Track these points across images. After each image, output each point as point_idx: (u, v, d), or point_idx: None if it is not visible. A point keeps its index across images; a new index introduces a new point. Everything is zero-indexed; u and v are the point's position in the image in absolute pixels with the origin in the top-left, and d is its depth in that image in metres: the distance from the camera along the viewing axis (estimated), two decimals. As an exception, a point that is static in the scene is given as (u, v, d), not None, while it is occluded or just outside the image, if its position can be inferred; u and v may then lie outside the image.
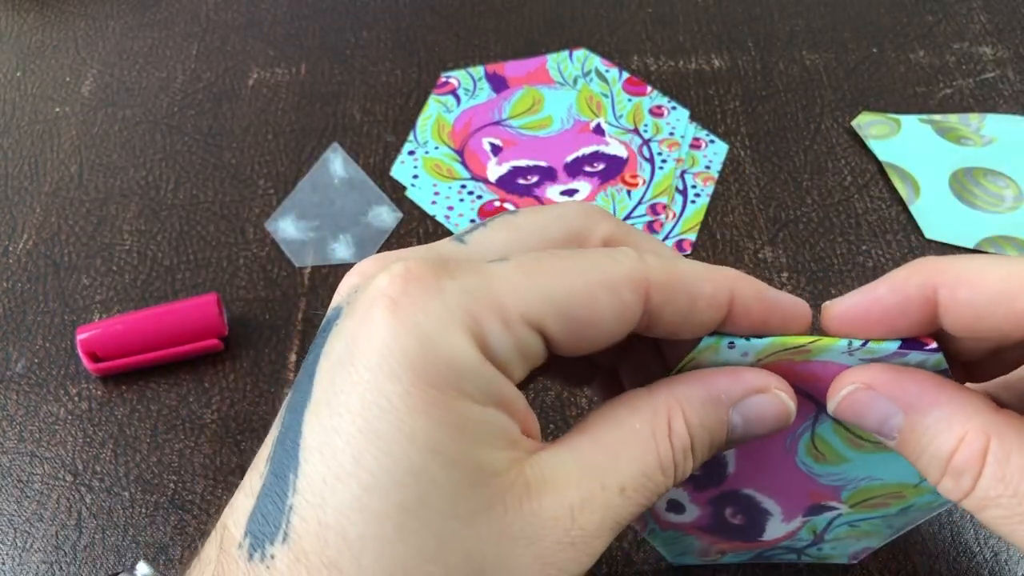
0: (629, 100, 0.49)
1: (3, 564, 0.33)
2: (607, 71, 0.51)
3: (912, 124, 0.48)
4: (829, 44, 0.52)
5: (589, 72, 0.51)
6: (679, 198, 0.45)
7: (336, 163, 0.47)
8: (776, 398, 0.22)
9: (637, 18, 0.54)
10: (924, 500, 0.26)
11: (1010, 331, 0.20)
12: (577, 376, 0.27)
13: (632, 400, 0.22)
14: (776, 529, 0.27)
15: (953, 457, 0.20)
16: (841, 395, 0.22)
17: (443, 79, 0.51)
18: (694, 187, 0.45)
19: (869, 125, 0.48)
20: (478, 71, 0.51)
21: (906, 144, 0.47)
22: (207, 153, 0.48)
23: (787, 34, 0.53)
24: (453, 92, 0.50)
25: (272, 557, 0.19)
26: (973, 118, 0.48)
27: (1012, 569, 0.32)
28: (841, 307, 0.22)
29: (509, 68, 0.51)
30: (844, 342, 0.21)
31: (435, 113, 0.49)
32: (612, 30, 0.54)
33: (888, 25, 0.53)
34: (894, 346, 0.21)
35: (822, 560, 0.30)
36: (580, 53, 0.52)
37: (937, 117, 0.48)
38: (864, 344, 0.21)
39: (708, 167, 0.46)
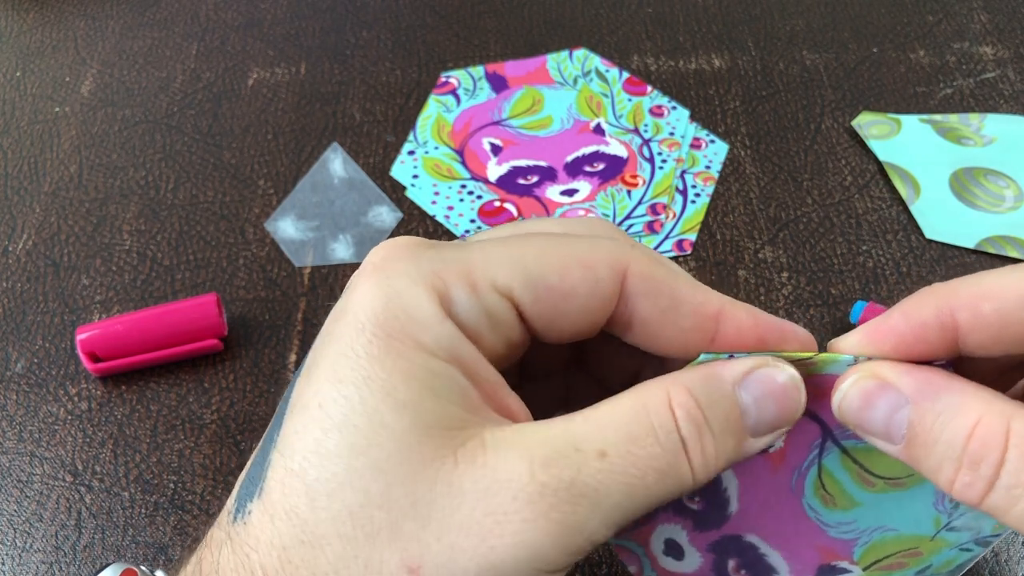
0: (629, 100, 0.49)
1: (3, 564, 0.33)
2: (607, 71, 0.51)
3: (912, 124, 0.48)
4: (829, 44, 0.52)
5: (589, 72, 0.51)
6: (679, 198, 0.45)
7: (336, 163, 0.47)
8: (780, 370, 0.21)
9: (637, 18, 0.54)
10: (943, 558, 0.24)
11: None
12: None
13: (629, 388, 0.21)
14: None
15: (970, 441, 0.19)
16: (844, 387, 0.20)
17: (443, 79, 0.51)
18: (694, 187, 0.45)
19: (869, 125, 0.48)
20: (478, 71, 0.51)
21: (906, 144, 0.47)
22: (207, 153, 0.48)
23: (787, 34, 0.53)
24: (453, 92, 0.50)
25: (249, 513, 0.20)
26: (973, 118, 0.48)
27: (1012, 569, 0.32)
28: (852, 341, 0.21)
29: (509, 68, 0.51)
30: (849, 356, 0.20)
31: (435, 113, 0.49)
32: (612, 30, 0.54)
33: (888, 25, 0.53)
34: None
35: None
36: (580, 53, 0.52)
37: (937, 117, 0.48)
38: (869, 359, 0.20)
39: (708, 167, 0.46)
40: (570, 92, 0.50)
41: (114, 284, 0.42)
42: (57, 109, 0.50)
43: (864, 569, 0.25)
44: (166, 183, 0.46)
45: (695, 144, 0.47)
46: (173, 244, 0.44)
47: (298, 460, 0.19)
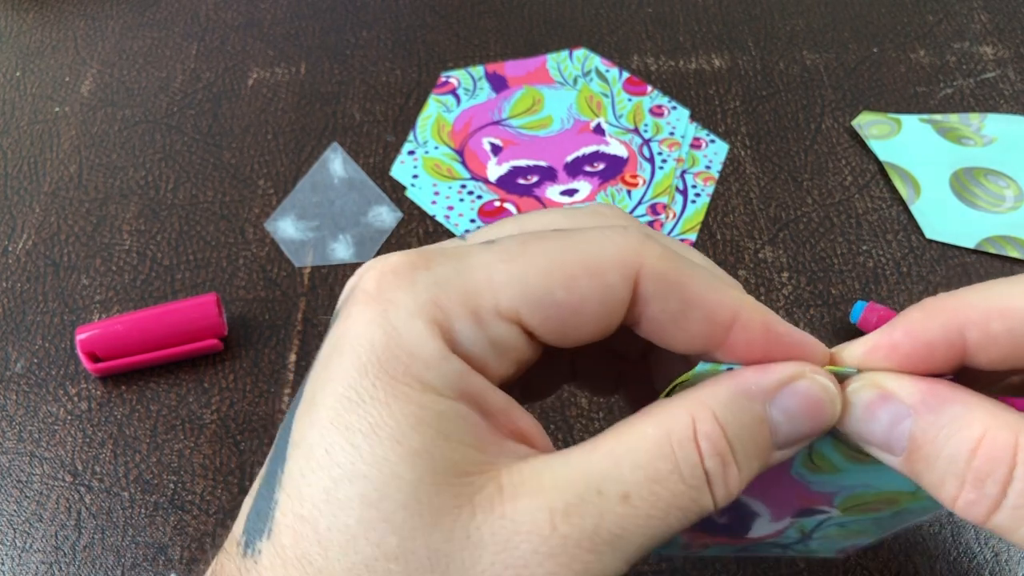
0: (629, 100, 0.49)
1: (2, 564, 0.33)
2: (607, 71, 0.51)
3: (912, 124, 0.48)
4: (830, 44, 0.52)
5: (589, 72, 0.51)
6: (679, 198, 0.45)
7: (336, 163, 0.47)
8: (815, 382, 0.19)
9: (637, 18, 0.54)
10: (920, 505, 0.25)
11: None
12: (602, 385, 0.26)
13: (650, 408, 0.20)
14: (763, 528, 0.27)
15: (975, 456, 0.18)
16: (851, 399, 0.20)
17: (443, 79, 0.51)
18: (694, 187, 0.45)
19: (869, 125, 0.48)
20: (478, 71, 0.51)
21: (906, 144, 0.47)
22: (207, 153, 0.48)
23: (787, 34, 0.53)
24: (453, 92, 0.50)
25: (259, 552, 0.19)
26: (974, 118, 0.48)
27: (1012, 569, 0.32)
28: (855, 354, 0.20)
29: (509, 68, 0.51)
30: (852, 368, 0.20)
31: (435, 113, 0.49)
32: (612, 30, 0.54)
33: (888, 25, 0.53)
34: None
35: (808, 554, 0.30)
36: (580, 53, 0.52)
37: (938, 117, 0.48)
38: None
39: (708, 167, 0.46)
40: (570, 92, 0.50)
41: (114, 284, 0.42)
42: (57, 109, 0.50)
43: (842, 511, 0.25)
44: (166, 183, 0.46)
45: (695, 144, 0.47)
46: (173, 244, 0.44)
47: (308, 507, 0.19)
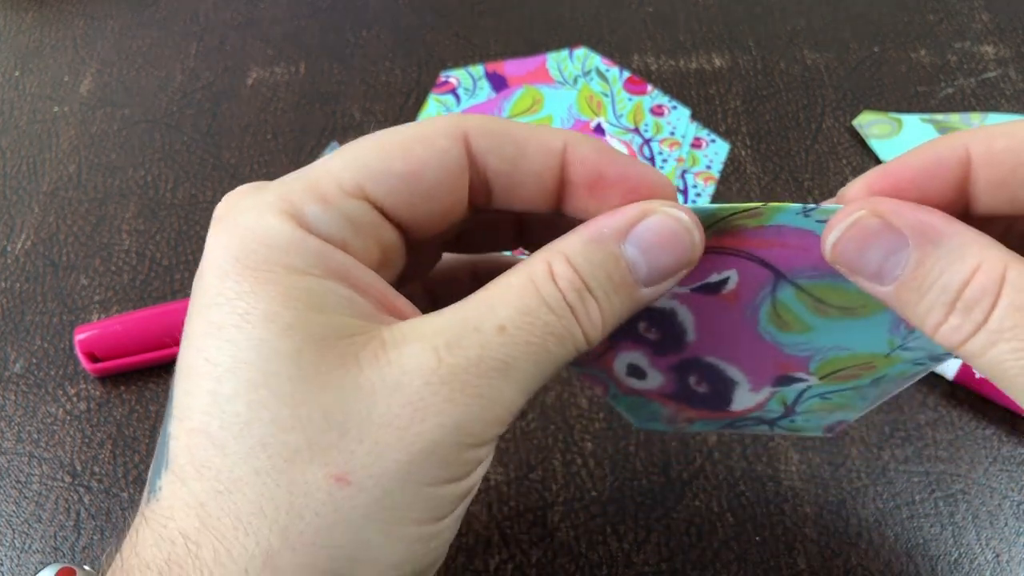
0: (630, 99, 0.49)
1: (1, 565, 0.33)
2: (607, 70, 0.51)
3: (914, 123, 0.48)
4: (830, 43, 0.52)
5: (589, 71, 0.51)
6: (680, 198, 0.45)
7: (336, 163, 0.47)
8: (667, 215, 0.20)
9: (637, 17, 0.54)
10: (897, 370, 0.25)
11: None
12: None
13: (514, 267, 0.21)
14: (744, 399, 0.27)
15: (967, 287, 0.18)
16: (843, 224, 0.20)
17: (443, 78, 0.51)
18: (695, 187, 0.45)
19: (870, 124, 0.48)
20: (478, 70, 0.51)
21: (908, 143, 0.47)
22: (206, 153, 0.48)
23: (788, 33, 0.53)
24: (453, 91, 0.50)
25: (159, 488, 0.19)
26: (975, 117, 0.48)
27: (1013, 570, 0.32)
28: (866, 180, 0.21)
29: (509, 67, 0.51)
30: (798, 205, 0.20)
31: (435, 112, 0.49)
32: (612, 29, 0.53)
33: (889, 24, 0.53)
34: None
35: (795, 432, 0.29)
36: (580, 52, 0.52)
37: (939, 116, 0.48)
38: (818, 206, 0.20)
39: (709, 167, 0.46)
40: (570, 91, 0.50)
41: (113, 284, 0.42)
42: (56, 109, 0.50)
43: (820, 379, 0.25)
44: (165, 183, 0.46)
45: (696, 144, 0.47)
46: (172, 244, 0.43)
47: (197, 418, 0.19)
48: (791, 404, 0.27)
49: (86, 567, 0.25)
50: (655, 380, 0.27)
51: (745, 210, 0.21)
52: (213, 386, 0.19)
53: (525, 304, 0.19)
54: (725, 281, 0.23)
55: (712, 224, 0.21)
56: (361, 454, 0.18)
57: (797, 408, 0.27)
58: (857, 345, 0.24)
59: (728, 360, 0.26)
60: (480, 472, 0.20)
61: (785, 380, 0.26)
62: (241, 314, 0.19)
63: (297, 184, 0.20)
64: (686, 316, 0.24)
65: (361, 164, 0.20)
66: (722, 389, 0.27)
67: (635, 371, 0.27)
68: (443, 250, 0.26)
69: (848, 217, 0.20)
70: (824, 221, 0.21)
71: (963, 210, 0.20)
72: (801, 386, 0.26)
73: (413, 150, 0.20)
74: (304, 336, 0.19)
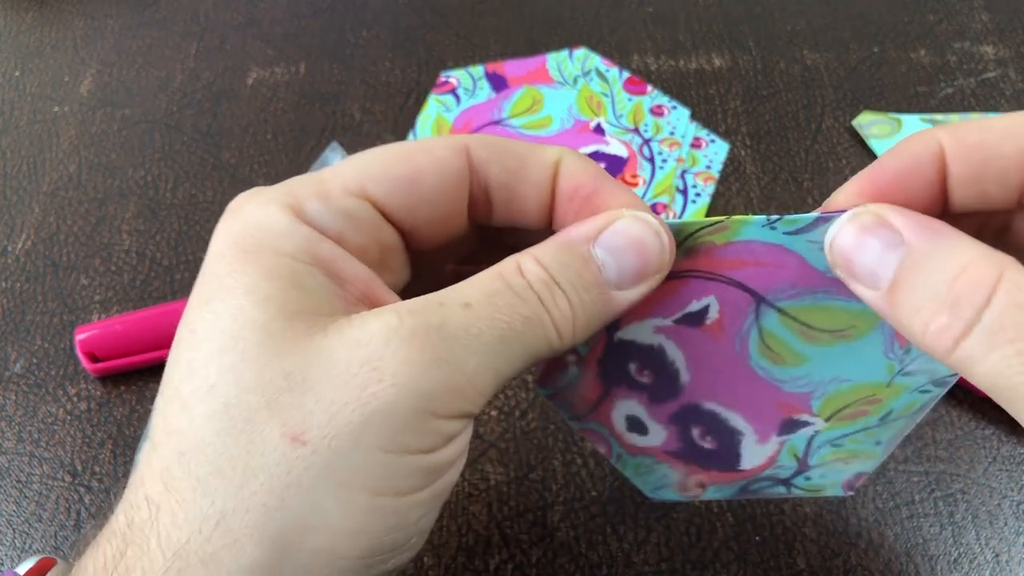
0: (629, 99, 0.49)
1: (2, 564, 0.33)
2: (607, 70, 0.51)
3: (913, 124, 0.48)
4: (830, 43, 0.52)
5: (589, 71, 0.51)
6: (680, 198, 0.45)
7: (335, 162, 0.47)
8: (635, 219, 0.21)
9: (637, 17, 0.54)
10: (903, 402, 0.24)
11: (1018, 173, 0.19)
12: None
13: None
14: (753, 454, 0.26)
15: (957, 281, 0.18)
16: (840, 221, 0.20)
17: (443, 78, 0.51)
18: (695, 187, 0.45)
19: (870, 125, 0.48)
20: (478, 70, 0.51)
21: (907, 144, 0.47)
22: (206, 153, 0.48)
23: (788, 33, 0.53)
24: (453, 91, 0.50)
25: (138, 462, 0.20)
26: (974, 117, 0.48)
27: (1013, 570, 0.32)
28: (848, 191, 0.21)
29: (509, 67, 0.51)
30: (762, 216, 0.21)
31: (435, 112, 0.49)
32: (612, 29, 0.53)
33: (889, 24, 0.53)
34: (813, 216, 0.21)
35: (814, 492, 0.28)
36: (580, 52, 0.52)
37: (939, 117, 0.48)
38: (782, 217, 0.21)
39: (709, 167, 0.46)
40: (570, 92, 0.50)
41: (113, 284, 0.42)
42: (56, 109, 0.50)
43: (826, 420, 0.25)
44: (165, 183, 0.46)
45: (695, 144, 0.47)
46: (172, 244, 0.44)
47: (174, 384, 0.19)
48: (803, 456, 0.26)
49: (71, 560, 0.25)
50: (658, 435, 0.26)
51: (710, 224, 0.21)
52: (190, 354, 0.20)
53: (491, 287, 0.20)
54: (706, 310, 0.23)
55: (681, 241, 0.22)
56: (317, 413, 0.18)
57: (811, 461, 0.27)
58: (856, 374, 0.24)
59: (728, 406, 0.25)
60: (449, 452, 0.20)
61: (791, 426, 0.25)
62: (227, 288, 0.20)
63: (304, 182, 0.21)
64: (676, 354, 0.24)
65: (365, 167, 0.21)
66: (729, 442, 0.26)
67: (636, 425, 0.26)
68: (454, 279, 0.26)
69: (843, 216, 0.20)
70: (792, 233, 0.21)
71: (943, 207, 0.21)
72: (808, 431, 0.25)
73: (415, 157, 0.21)
74: (278, 307, 0.19)
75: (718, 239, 0.21)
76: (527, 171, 0.22)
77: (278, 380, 0.19)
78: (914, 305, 0.19)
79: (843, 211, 0.21)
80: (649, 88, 0.50)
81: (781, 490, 0.29)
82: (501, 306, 0.20)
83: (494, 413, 0.37)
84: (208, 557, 0.18)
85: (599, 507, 0.34)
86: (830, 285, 0.22)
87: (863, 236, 0.20)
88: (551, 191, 0.22)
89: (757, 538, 0.33)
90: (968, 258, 0.18)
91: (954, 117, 0.48)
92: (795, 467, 0.27)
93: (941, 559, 0.32)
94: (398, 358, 0.19)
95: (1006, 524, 0.33)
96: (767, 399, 0.25)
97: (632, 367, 0.25)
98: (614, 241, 0.21)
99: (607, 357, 0.25)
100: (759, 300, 0.23)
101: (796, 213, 0.21)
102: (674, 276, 0.23)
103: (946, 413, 0.36)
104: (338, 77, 0.51)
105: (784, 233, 0.21)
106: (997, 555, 0.32)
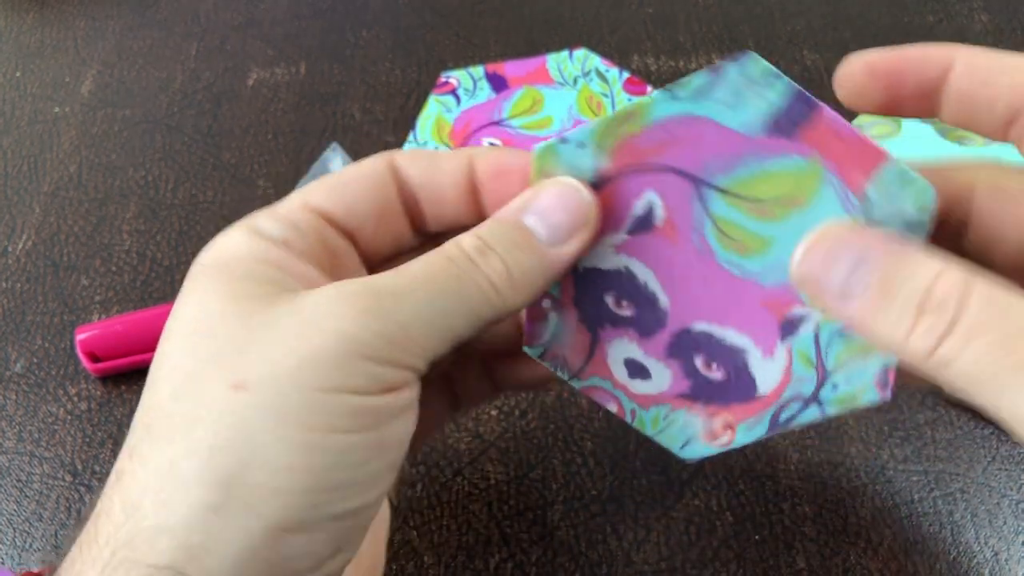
0: (629, 100, 0.49)
1: (2, 564, 0.33)
2: (607, 71, 0.51)
3: (913, 124, 0.48)
4: (830, 44, 0.52)
5: (589, 72, 0.51)
6: (679, 198, 0.45)
7: (336, 163, 0.47)
8: (556, 182, 0.23)
9: (637, 18, 0.54)
10: None
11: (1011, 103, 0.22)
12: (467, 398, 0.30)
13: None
14: (766, 372, 0.25)
15: (935, 285, 0.19)
16: (807, 242, 0.21)
17: (443, 79, 0.51)
18: (694, 187, 0.45)
19: (870, 125, 0.48)
20: (478, 71, 0.51)
21: (907, 144, 0.47)
22: (206, 153, 0.48)
23: (788, 34, 0.53)
24: (453, 92, 0.50)
25: (115, 471, 0.22)
26: (973, 118, 0.48)
27: (1012, 569, 0.32)
28: (864, 57, 0.23)
29: (509, 68, 0.51)
30: (661, 90, 0.22)
31: (435, 113, 0.49)
32: (612, 29, 0.54)
33: (889, 25, 0.53)
34: (704, 72, 0.22)
35: (850, 404, 0.26)
36: (580, 53, 0.52)
37: (937, 117, 0.48)
38: (679, 81, 0.22)
39: (708, 167, 0.46)
40: (570, 92, 0.50)
41: (114, 284, 0.42)
42: (57, 109, 0.50)
43: (822, 310, 0.24)
44: (166, 183, 0.46)
45: (695, 144, 0.47)
46: (173, 244, 0.44)
47: (149, 377, 0.22)
48: (816, 359, 0.25)
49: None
50: (662, 376, 0.26)
51: (622, 114, 0.22)
52: (162, 347, 0.22)
53: (428, 258, 0.22)
54: (651, 209, 0.24)
55: (600, 141, 0.23)
56: (258, 363, 0.20)
57: (827, 364, 0.25)
58: None
59: (719, 323, 0.25)
60: (389, 400, 0.21)
61: (788, 326, 0.24)
62: (191, 291, 0.23)
63: (260, 211, 0.24)
64: (645, 273, 0.25)
65: (308, 188, 0.25)
66: (736, 365, 0.25)
67: (636, 369, 0.26)
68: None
69: (809, 237, 0.21)
70: (695, 99, 0.22)
71: (930, 110, 0.23)
72: (809, 327, 0.24)
73: (348, 170, 0.25)
74: (231, 294, 0.22)
75: (633, 128, 0.23)
76: (440, 166, 0.25)
77: (225, 345, 0.21)
78: (894, 314, 0.19)
79: (738, 60, 0.22)
80: (649, 89, 0.50)
81: (814, 413, 0.26)
82: (435, 269, 0.22)
83: (494, 413, 0.37)
84: (160, 504, 0.20)
85: (599, 506, 0.34)
86: (755, 147, 0.22)
87: (831, 253, 0.21)
88: (469, 182, 0.25)
89: (757, 537, 0.33)
90: (939, 265, 0.19)
91: (953, 117, 0.48)
92: (815, 377, 0.25)
93: (940, 558, 0.32)
94: (332, 313, 0.21)
95: (1005, 523, 0.33)
96: (751, 301, 0.24)
97: (609, 300, 0.25)
98: (539, 204, 0.23)
99: (580, 295, 0.25)
100: (696, 183, 0.23)
101: (691, 76, 0.22)
102: (608, 182, 0.24)
103: (945, 412, 0.36)
104: (338, 78, 0.51)
105: (688, 101, 0.22)
106: (996, 554, 0.32)
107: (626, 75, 0.51)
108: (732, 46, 0.52)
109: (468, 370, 0.29)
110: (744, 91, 0.22)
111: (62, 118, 0.50)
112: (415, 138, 0.48)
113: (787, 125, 0.22)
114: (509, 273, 0.22)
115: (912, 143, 0.47)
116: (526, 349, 0.26)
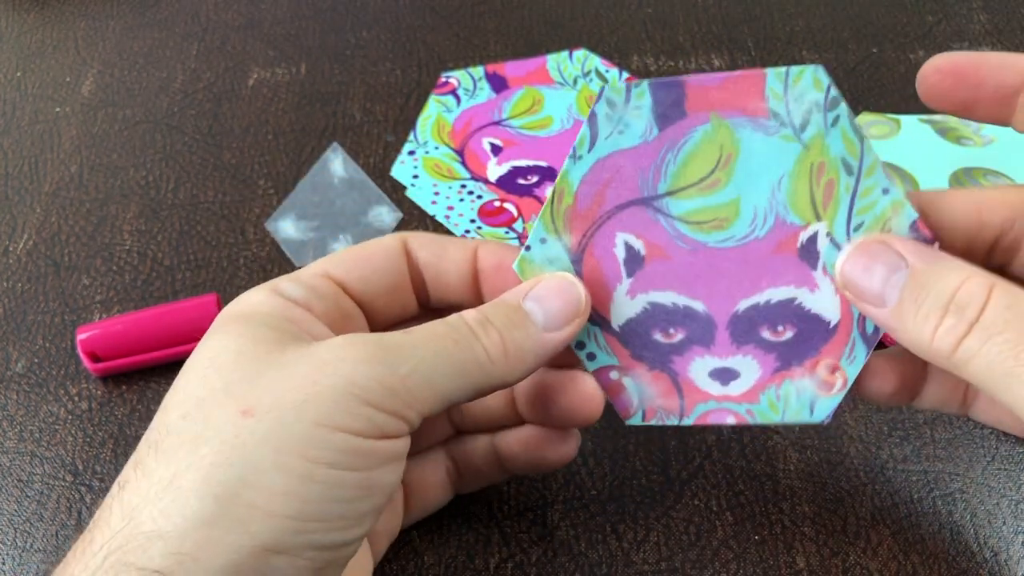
0: (629, 100, 0.49)
1: (3, 564, 0.33)
2: (607, 71, 0.51)
3: (912, 124, 0.48)
4: (829, 44, 0.52)
5: (589, 72, 0.51)
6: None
7: (336, 163, 0.47)
8: (554, 276, 0.26)
9: (637, 18, 0.54)
10: (837, 147, 0.24)
11: None
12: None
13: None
14: (824, 304, 0.26)
15: (959, 290, 0.21)
16: (848, 249, 0.24)
17: (443, 79, 0.51)
18: (694, 187, 0.45)
19: (869, 125, 0.48)
20: (478, 71, 0.51)
21: (906, 144, 0.47)
22: (207, 153, 0.48)
23: (787, 34, 0.53)
24: (453, 92, 0.50)
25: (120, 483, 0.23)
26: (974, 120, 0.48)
27: (1012, 569, 0.32)
28: (947, 57, 0.25)
29: (509, 68, 0.51)
30: (566, 159, 0.25)
31: (435, 113, 0.49)
32: (612, 30, 0.54)
33: (888, 25, 0.53)
34: (587, 123, 0.25)
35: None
36: (580, 53, 0.52)
37: (937, 117, 0.48)
38: (574, 145, 0.25)
39: (708, 167, 0.46)
40: (570, 92, 0.50)
41: (114, 284, 0.42)
42: (57, 109, 0.50)
43: (816, 217, 0.25)
44: (166, 183, 0.46)
45: (695, 144, 0.47)
46: (173, 244, 0.44)
47: (162, 405, 0.24)
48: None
49: None
50: (749, 366, 0.27)
51: (552, 198, 0.26)
52: (179, 379, 0.24)
53: (432, 325, 0.25)
54: (630, 247, 0.26)
55: (552, 228, 0.26)
56: (266, 393, 0.22)
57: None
58: (775, 168, 0.25)
59: (754, 291, 0.26)
60: (383, 447, 0.23)
61: (807, 253, 0.25)
62: (213, 334, 0.25)
63: (283, 276, 0.27)
64: (666, 296, 0.26)
65: (328, 259, 0.27)
66: (798, 314, 0.26)
67: (724, 375, 0.27)
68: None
69: (850, 245, 0.24)
70: (591, 151, 0.25)
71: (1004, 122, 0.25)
72: (823, 241, 0.25)
73: (366, 245, 0.28)
74: (250, 337, 0.24)
75: (568, 200, 0.26)
76: (447, 252, 0.27)
77: (239, 378, 0.23)
78: (923, 314, 0.22)
79: (600, 97, 0.25)
80: (649, 89, 0.50)
81: None
82: (438, 333, 0.24)
83: (494, 413, 0.37)
84: (159, 513, 0.21)
85: (599, 506, 0.34)
86: (663, 144, 0.25)
87: (871, 260, 0.23)
88: (471, 269, 0.27)
89: (756, 537, 0.33)
90: (965, 274, 0.22)
91: (952, 118, 0.48)
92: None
93: (939, 558, 0.32)
94: (340, 357, 0.23)
95: (1004, 523, 0.33)
96: (763, 256, 0.25)
97: (658, 336, 0.27)
98: (540, 292, 0.26)
99: (634, 349, 0.27)
100: (645, 203, 0.25)
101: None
102: (584, 252, 0.26)
103: (945, 412, 0.36)
104: (338, 78, 0.51)
105: (589, 153, 0.25)
106: (996, 554, 0.32)
107: (626, 75, 0.51)
108: (731, 46, 0.52)
109: (471, 448, 0.31)
110: (621, 115, 0.25)
111: (63, 118, 0.50)
112: (415, 138, 0.48)
113: (672, 111, 0.24)
114: (505, 347, 0.24)
115: (911, 143, 0.47)
116: (628, 423, 0.28)
